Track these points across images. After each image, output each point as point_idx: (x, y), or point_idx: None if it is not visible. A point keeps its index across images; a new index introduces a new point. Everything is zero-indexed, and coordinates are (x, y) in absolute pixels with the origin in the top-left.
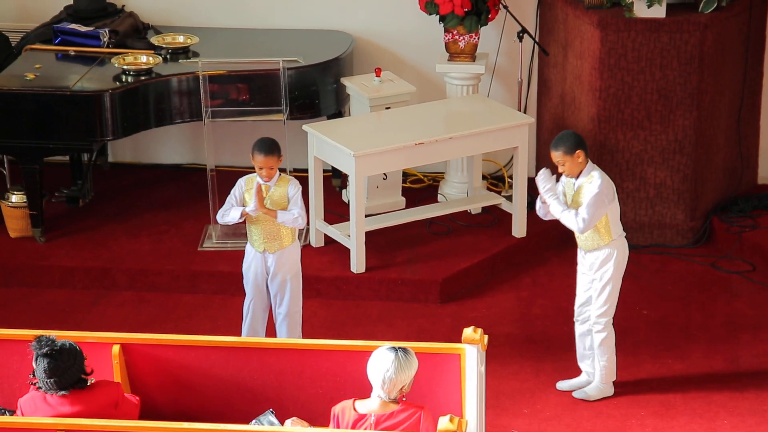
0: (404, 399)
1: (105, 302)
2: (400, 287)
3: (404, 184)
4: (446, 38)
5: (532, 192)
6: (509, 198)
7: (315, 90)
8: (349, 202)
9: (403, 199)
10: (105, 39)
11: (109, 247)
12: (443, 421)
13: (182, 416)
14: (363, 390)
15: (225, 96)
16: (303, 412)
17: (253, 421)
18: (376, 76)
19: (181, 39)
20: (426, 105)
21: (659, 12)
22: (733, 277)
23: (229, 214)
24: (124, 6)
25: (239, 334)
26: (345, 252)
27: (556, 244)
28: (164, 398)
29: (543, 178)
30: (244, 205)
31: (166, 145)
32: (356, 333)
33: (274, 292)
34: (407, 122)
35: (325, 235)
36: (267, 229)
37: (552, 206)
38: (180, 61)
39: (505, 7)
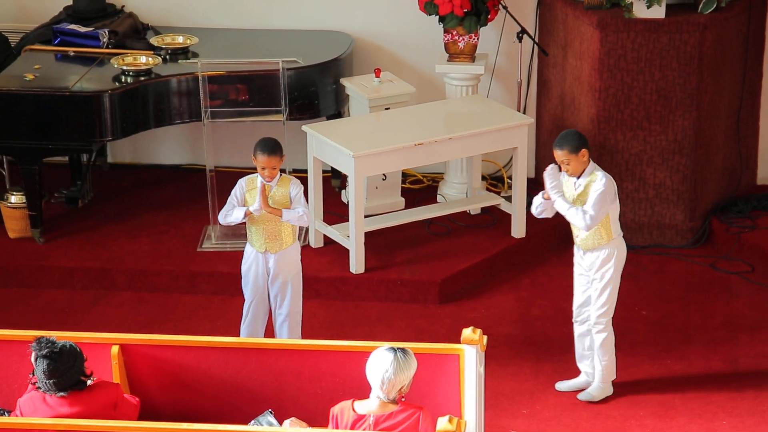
0: (403, 399)
1: (104, 303)
2: (400, 288)
3: (403, 185)
4: (446, 39)
5: (532, 192)
6: (508, 198)
7: (314, 90)
8: (348, 202)
9: (403, 199)
10: (104, 39)
11: (109, 247)
12: (442, 422)
13: (181, 417)
14: (362, 390)
15: (224, 96)
16: (302, 412)
17: (252, 421)
18: (376, 77)
19: (180, 39)
20: (425, 105)
21: (659, 12)
22: (732, 278)
23: (232, 214)
24: (123, 6)
25: (238, 334)
26: (344, 252)
27: (555, 245)
28: (163, 399)
29: (551, 174)
30: (244, 206)
31: (166, 146)
32: (355, 333)
33: (275, 293)
34: (407, 123)
35: (325, 235)
36: (268, 229)
37: (558, 203)
38: (179, 61)
39: (505, 7)
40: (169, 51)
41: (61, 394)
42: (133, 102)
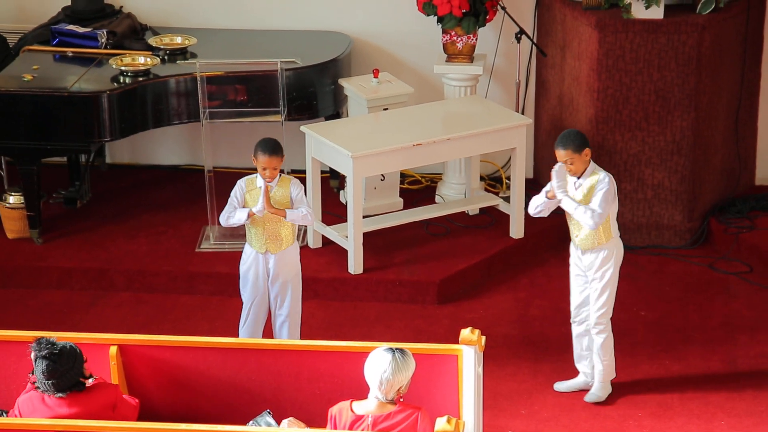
0: (401, 400)
1: (102, 303)
2: (398, 288)
3: (402, 185)
4: (444, 39)
5: (530, 193)
6: (507, 199)
7: (313, 91)
8: (346, 203)
9: (401, 200)
10: (103, 40)
11: (107, 248)
12: (440, 422)
13: (179, 417)
14: (360, 391)
15: (223, 97)
16: (300, 413)
17: (251, 422)
18: (374, 77)
19: (178, 40)
20: (424, 106)
21: (657, 13)
22: (731, 278)
23: (234, 216)
24: (122, 7)
25: (237, 335)
26: (343, 253)
27: (553, 245)
28: (162, 399)
29: (559, 173)
30: (244, 207)
31: (164, 146)
32: (354, 334)
33: (275, 294)
34: (405, 123)
35: (323, 236)
36: (269, 230)
37: (565, 201)
38: (178, 62)
39: (503, 8)
40: (168, 51)
41: (60, 394)
42: (131, 102)
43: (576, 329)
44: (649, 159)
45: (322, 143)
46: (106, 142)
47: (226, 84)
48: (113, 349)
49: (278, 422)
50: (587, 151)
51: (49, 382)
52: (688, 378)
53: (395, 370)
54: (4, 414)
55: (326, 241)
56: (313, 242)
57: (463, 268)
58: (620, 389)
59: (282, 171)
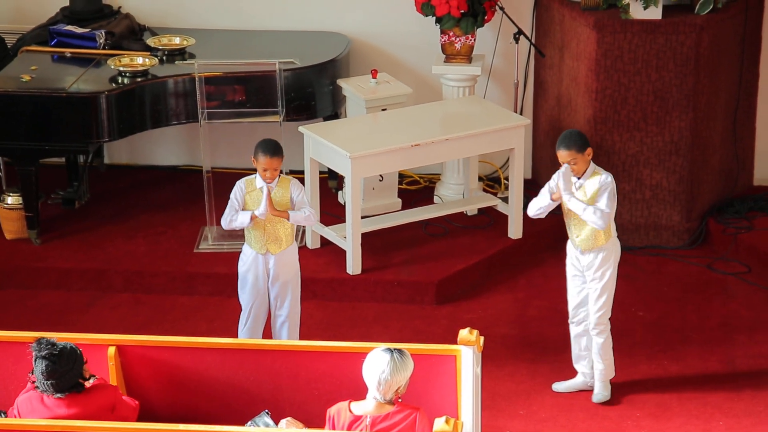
0: (400, 400)
1: (101, 304)
2: (396, 289)
3: (400, 186)
4: (442, 40)
5: (528, 193)
6: (505, 199)
7: (311, 91)
8: (345, 203)
9: (399, 200)
10: (101, 40)
11: (105, 248)
12: (439, 423)
13: (178, 418)
14: (359, 391)
15: (221, 97)
16: (299, 413)
17: (249, 422)
18: (373, 78)
19: (177, 40)
20: (422, 106)
21: (655, 14)
22: (729, 279)
23: (237, 219)
24: (120, 7)
25: (236, 335)
26: (341, 253)
27: (551, 246)
28: (160, 400)
29: (566, 176)
30: (245, 208)
31: (163, 147)
32: (352, 334)
33: (275, 295)
34: (403, 124)
35: (321, 236)
36: (269, 231)
37: (572, 203)
38: (176, 62)
39: (502, 8)
40: (166, 52)
41: (59, 395)
42: (129, 103)
43: (574, 329)
44: (647, 159)
45: (320, 144)
46: (104, 143)
47: (224, 84)
48: (111, 350)
49: (276, 423)
50: (589, 150)
51: (49, 382)
52: (686, 378)
53: (393, 370)
54: (2, 415)
55: (324, 241)
56: (312, 243)
57: (462, 269)
58: (619, 389)
59: (281, 171)
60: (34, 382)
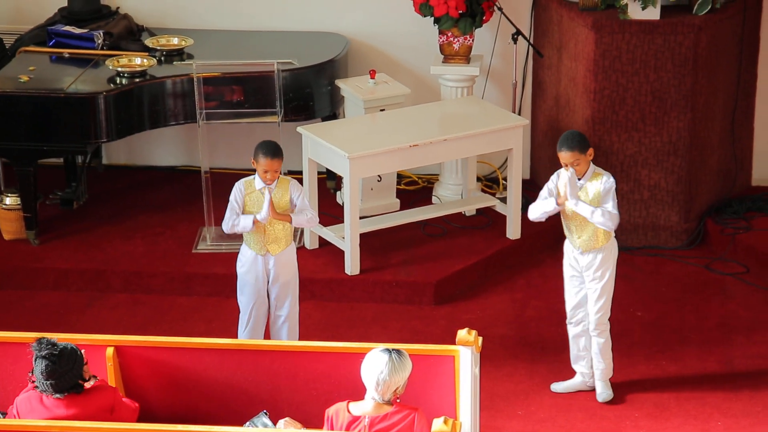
0: (398, 401)
1: (99, 304)
2: (395, 289)
3: (398, 186)
4: (441, 40)
5: (527, 194)
6: (503, 200)
7: (309, 92)
8: (343, 204)
9: (398, 200)
10: (99, 41)
11: (104, 249)
12: (437, 423)
13: (176, 418)
14: (357, 392)
15: (219, 98)
16: (297, 413)
17: (247, 422)
18: (371, 78)
19: (175, 41)
20: (420, 107)
21: (653, 14)
22: (727, 279)
23: (239, 224)
24: (118, 8)
25: (234, 336)
26: (339, 254)
27: (550, 246)
28: (158, 400)
29: (572, 181)
30: (244, 210)
31: (161, 147)
32: (350, 335)
33: (276, 295)
34: (402, 124)
35: (320, 237)
36: (269, 232)
37: (580, 207)
38: (174, 63)
39: (500, 9)
40: (164, 52)
41: (58, 395)
42: (128, 103)
43: (572, 330)
44: (645, 160)
45: (318, 144)
46: (102, 143)
47: (222, 85)
48: (110, 351)
49: (275, 423)
50: (591, 151)
51: (48, 382)
52: (684, 378)
53: (392, 370)
54: (1, 416)
55: (323, 242)
56: (310, 243)
57: (460, 269)
58: (617, 390)
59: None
60: (34, 381)
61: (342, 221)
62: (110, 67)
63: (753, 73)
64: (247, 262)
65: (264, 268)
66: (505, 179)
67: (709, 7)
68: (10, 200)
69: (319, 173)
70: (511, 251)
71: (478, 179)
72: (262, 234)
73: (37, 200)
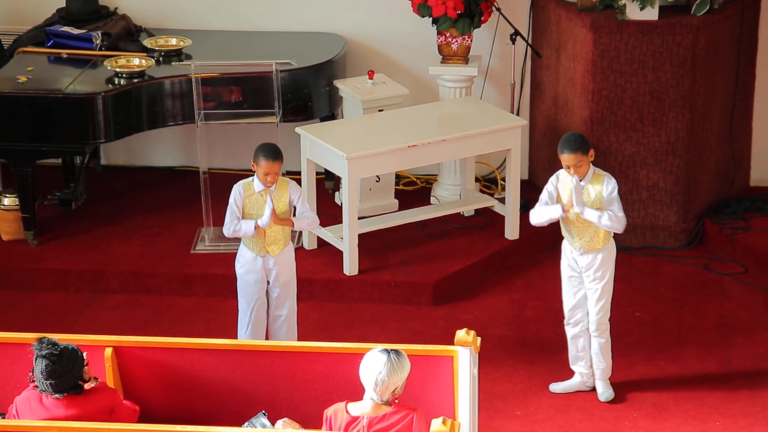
0: (397, 401)
1: (98, 305)
2: (393, 289)
3: (397, 187)
4: (439, 40)
5: (526, 194)
6: (502, 200)
7: (308, 92)
8: (341, 204)
9: (396, 201)
10: (97, 41)
11: (102, 249)
12: (436, 423)
13: (175, 419)
14: (355, 392)
15: (218, 98)
16: (296, 414)
17: (246, 423)
18: (369, 79)
19: (173, 41)
20: (419, 107)
21: (652, 14)
22: (726, 279)
23: (240, 229)
24: (116, 8)
25: (233, 336)
26: (338, 254)
27: (548, 246)
28: (157, 401)
29: (577, 188)
30: (244, 212)
31: (159, 148)
32: (349, 335)
33: (276, 296)
34: (400, 124)
35: (318, 237)
36: (269, 233)
37: (587, 213)
38: (173, 63)
39: (498, 9)
40: (163, 53)
41: (58, 396)
42: (126, 104)
43: (571, 331)
44: (644, 160)
45: (317, 144)
46: (100, 144)
47: (221, 85)
48: (108, 351)
49: (273, 424)
50: (592, 152)
51: (48, 382)
52: (683, 379)
53: (390, 371)
54: (0, 416)
55: (321, 242)
56: (309, 243)
57: (459, 270)
58: (616, 390)
59: None
60: (33, 381)
61: (340, 221)
62: (108, 68)
63: (751, 74)
64: (246, 263)
65: (264, 269)
66: (503, 180)
67: (708, 7)
68: (8, 201)
69: (317, 174)
70: (509, 252)
71: (477, 180)
72: (262, 236)
73: (35, 201)
